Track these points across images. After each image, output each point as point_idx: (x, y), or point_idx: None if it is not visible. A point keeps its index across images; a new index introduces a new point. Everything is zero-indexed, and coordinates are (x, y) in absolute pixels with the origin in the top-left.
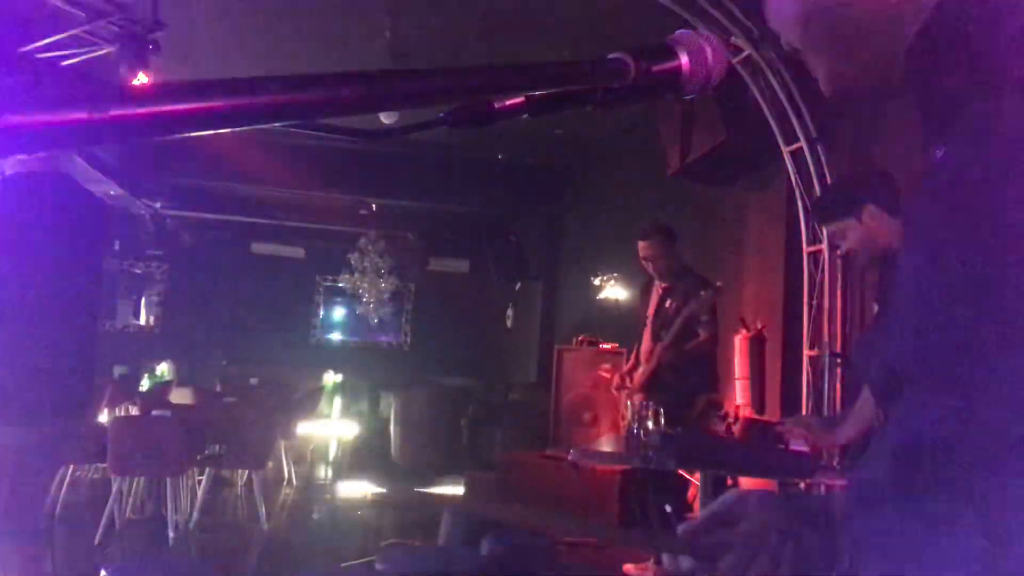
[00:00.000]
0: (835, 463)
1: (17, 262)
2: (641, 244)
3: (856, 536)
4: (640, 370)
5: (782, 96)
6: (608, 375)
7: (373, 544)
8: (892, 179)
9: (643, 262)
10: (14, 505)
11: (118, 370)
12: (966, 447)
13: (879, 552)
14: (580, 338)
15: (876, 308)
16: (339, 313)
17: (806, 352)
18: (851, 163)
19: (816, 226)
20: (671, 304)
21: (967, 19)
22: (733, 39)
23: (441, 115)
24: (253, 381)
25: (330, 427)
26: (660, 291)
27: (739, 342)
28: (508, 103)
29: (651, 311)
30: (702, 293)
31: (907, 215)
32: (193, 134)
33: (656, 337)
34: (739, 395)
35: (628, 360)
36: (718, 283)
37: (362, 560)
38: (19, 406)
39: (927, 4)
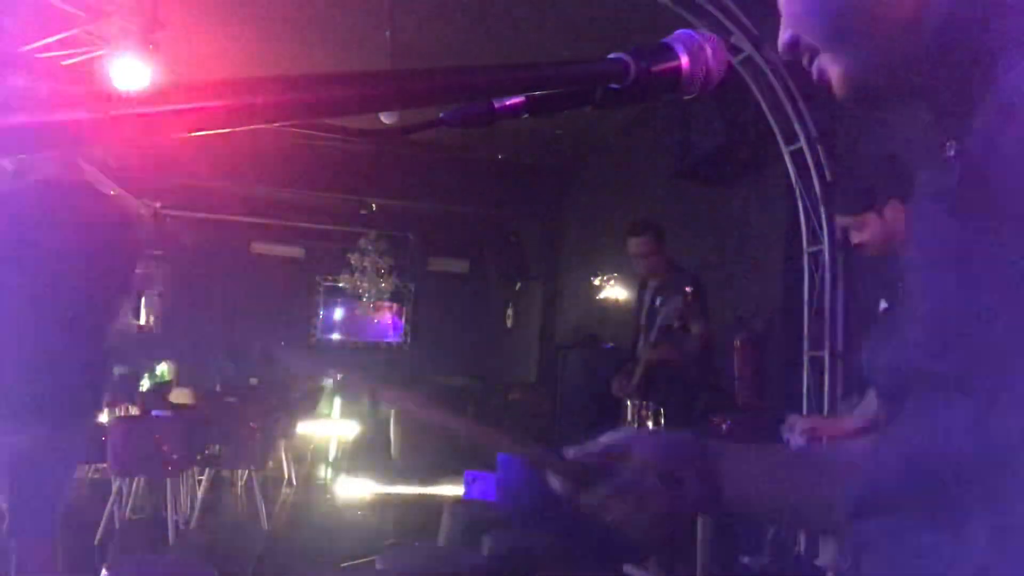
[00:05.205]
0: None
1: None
2: (633, 241)
3: (863, 539)
4: (635, 371)
5: (782, 96)
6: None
7: (373, 544)
8: (911, 172)
9: (633, 259)
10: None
11: (118, 370)
12: (981, 452)
13: (887, 555)
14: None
15: (883, 304)
16: (339, 313)
17: (806, 352)
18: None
19: (817, 224)
20: (659, 303)
21: (984, 18)
22: (733, 39)
23: (441, 115)
24: (253, 381)
25: (330, 427)
26: (652, 290)
27: (739, 342)
28: (508, 103)
29: (644, 311)
30: (676, 297)
31: (917, 213)
32: (193, 134)
33: (649, 336)
34: (739, 395)
35: (626, 362)
36: (687, 288)
37: (362, 560)
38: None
39: (946, 4)
